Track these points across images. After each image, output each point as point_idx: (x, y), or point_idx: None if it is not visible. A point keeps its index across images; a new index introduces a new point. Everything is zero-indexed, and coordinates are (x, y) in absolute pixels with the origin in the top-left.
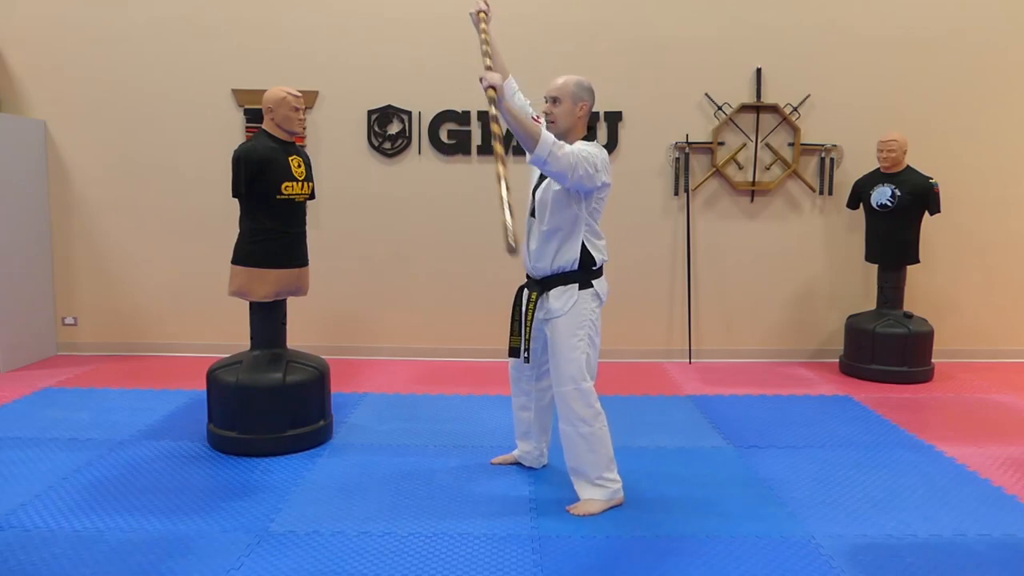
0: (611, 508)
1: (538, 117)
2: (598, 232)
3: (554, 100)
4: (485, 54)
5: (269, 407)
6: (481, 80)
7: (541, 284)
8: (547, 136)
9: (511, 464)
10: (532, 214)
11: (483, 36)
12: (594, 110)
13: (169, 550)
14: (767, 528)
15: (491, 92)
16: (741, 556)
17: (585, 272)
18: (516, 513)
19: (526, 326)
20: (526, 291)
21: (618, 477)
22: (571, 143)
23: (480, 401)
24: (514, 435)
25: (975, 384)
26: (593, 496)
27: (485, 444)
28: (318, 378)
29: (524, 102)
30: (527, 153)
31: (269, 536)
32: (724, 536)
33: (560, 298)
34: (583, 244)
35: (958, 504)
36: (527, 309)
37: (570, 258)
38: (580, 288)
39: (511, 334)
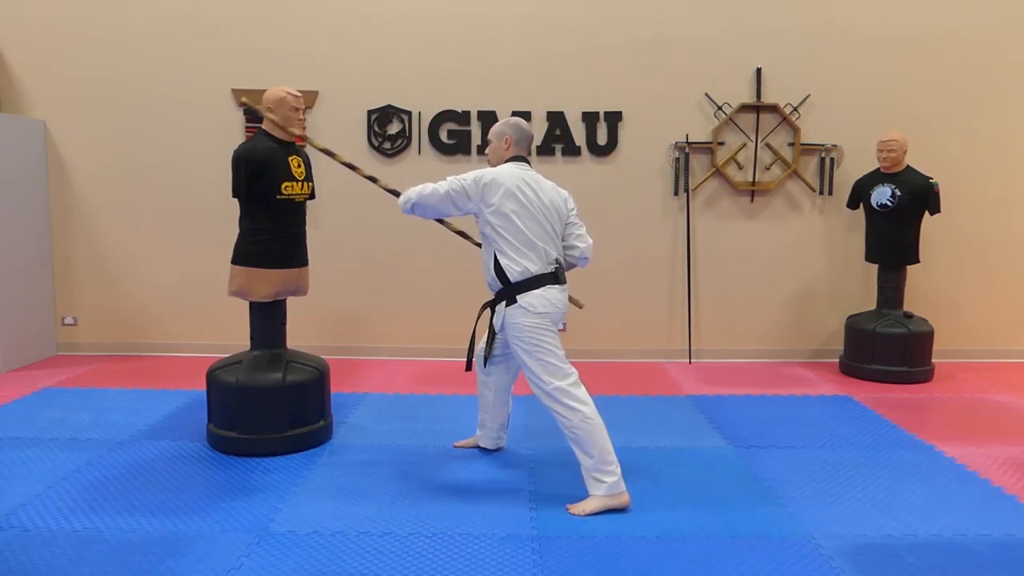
0: (615, 510)
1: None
2: (516, 247)
3: (487, 141)
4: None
5: (269, 407)
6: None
7: (494, 300)
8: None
9: (472, 447)
10: None
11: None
12: (594, 110)
13: (169, 550)
14: (767, 528)
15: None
16: (741, 556)
17: (508, 288)
18: (516, 513)
19: (490, 334)
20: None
21: (616, 473)
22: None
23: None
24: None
25: (975, 384)
26: (593, 492)
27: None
28: (318, 378)
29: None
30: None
31: (269, 536)
32: (724, 536)
33: (498, 314)
34: (496, 260)
35: (958, 504)
36: (477, 320)
37: (491, 275)
38: (507, 305)
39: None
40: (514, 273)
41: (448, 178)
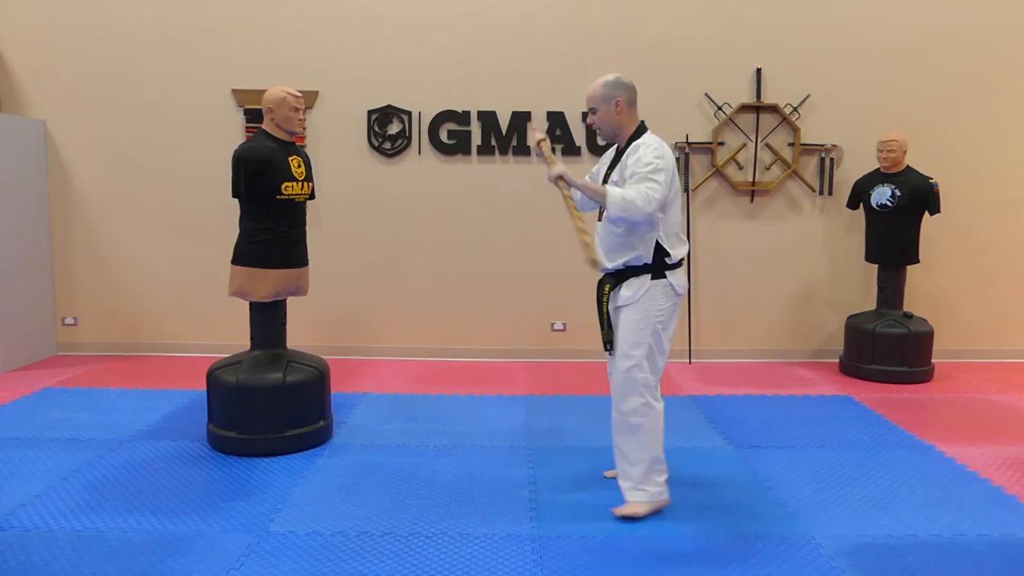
0: (657, 510)
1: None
2: (673, 228)
3: (591, 110)
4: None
5: (269, 407)
6: (549, 178)
7: (615, 276)
8: (612, 194)
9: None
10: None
11: (547, 155)
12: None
13: (169, 550)
14: (767, 528)
15: (561, 183)
16: (741, 556)
17: (659, 264)
18: (516, 513)
19: (603, 317)
20: (599, 285)
21: (663, 479)
22: (624, 139)
23: (480, 401)
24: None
25: (975, 384)
26: (637, 499)
27: (485, 444)
28: (318, 378)
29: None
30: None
31: (269, 536)
32: (724, 536)
33: (631, 286)
34: (657, 241)
35: (958, 504)
36: (601, 301)
37: (643, 253)
38: (653, 278)
39: (601, 329)
40: (673, 254)
41: (645, 190)
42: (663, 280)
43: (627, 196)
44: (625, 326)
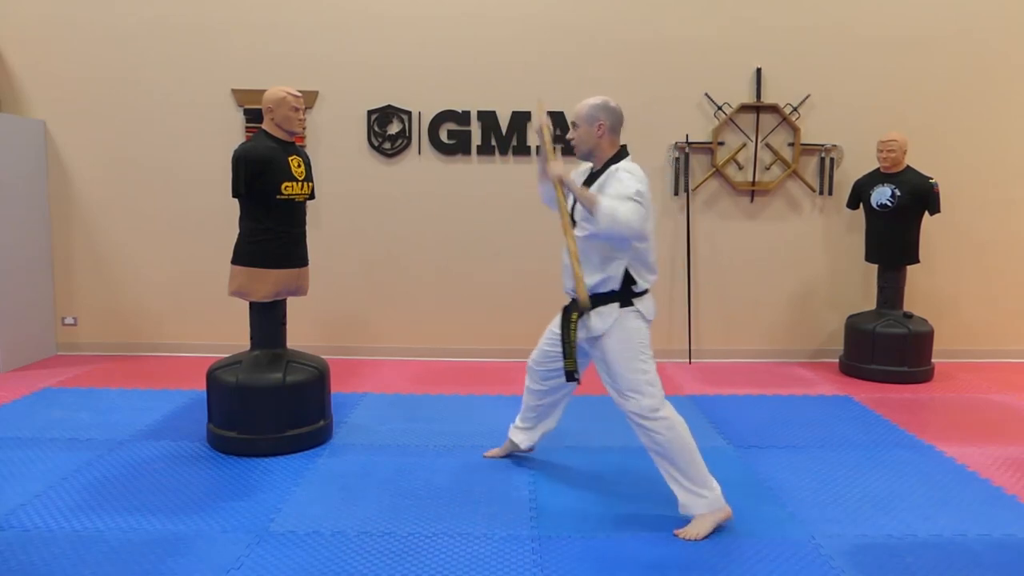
0: (722, 521)
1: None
2: (644, 258)
3: (572, 125)
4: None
5: (269, 407)
6: (549, 174)
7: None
8: (603, 204)
9: (504, 457)
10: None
11: (547, 145)
12: None
13: (169, 550)
14: (767, 528)
15: (559, 184)
16: (741, 556)
17: (626, 292)
18: (516, 513)
19: (569, 345)
20: (565, 312)
21: (715, 485)
22: (601, 161)
23: (480, 401)
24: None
25: (975, 384)
26: (699, 509)
27: (485, 444)
28: (318, 378)
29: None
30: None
31: (269, 536)
32: (725, 536)
33: (601, 315)
34: (626, 268)
35: (958, 504)
36: (570, 330)
37: (609, 279)
38: (621, 306)
39: (564, 358)
40: (640, 283)
41: (633, 207)
42: (631, 307)
43: (618, 208)
44: (616, 360)
